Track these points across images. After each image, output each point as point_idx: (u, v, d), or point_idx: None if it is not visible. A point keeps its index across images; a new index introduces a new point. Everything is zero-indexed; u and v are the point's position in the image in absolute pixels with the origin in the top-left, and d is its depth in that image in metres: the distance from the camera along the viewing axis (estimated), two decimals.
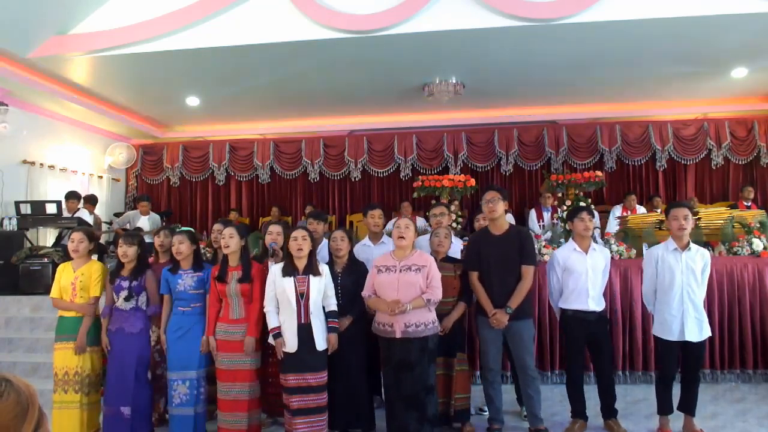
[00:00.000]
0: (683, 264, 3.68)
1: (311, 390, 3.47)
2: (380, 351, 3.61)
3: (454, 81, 6.93)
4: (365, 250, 4.30)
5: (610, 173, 8.86)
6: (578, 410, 3.92)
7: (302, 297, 3.49)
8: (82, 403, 3.77)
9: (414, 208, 8.59)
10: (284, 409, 3.61)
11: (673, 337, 3.69)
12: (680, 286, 3.67)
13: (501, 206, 3.74)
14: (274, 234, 4.01)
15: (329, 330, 3.57)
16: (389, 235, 4.30)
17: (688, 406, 3.77)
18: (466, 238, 5.42)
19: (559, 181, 6.64)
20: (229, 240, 3.65)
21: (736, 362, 4.92)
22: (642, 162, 8.94)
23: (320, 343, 3.49)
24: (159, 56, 5.85)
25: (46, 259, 6.07)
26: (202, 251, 4.84)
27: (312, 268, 3.56)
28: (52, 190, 7.81)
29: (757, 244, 5.07)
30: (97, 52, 5.81)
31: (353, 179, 9.46)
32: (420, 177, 7.41)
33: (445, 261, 3.89)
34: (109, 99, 7.69)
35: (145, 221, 7.67)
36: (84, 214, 7.17)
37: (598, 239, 5.58)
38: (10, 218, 6.69)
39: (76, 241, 3.88)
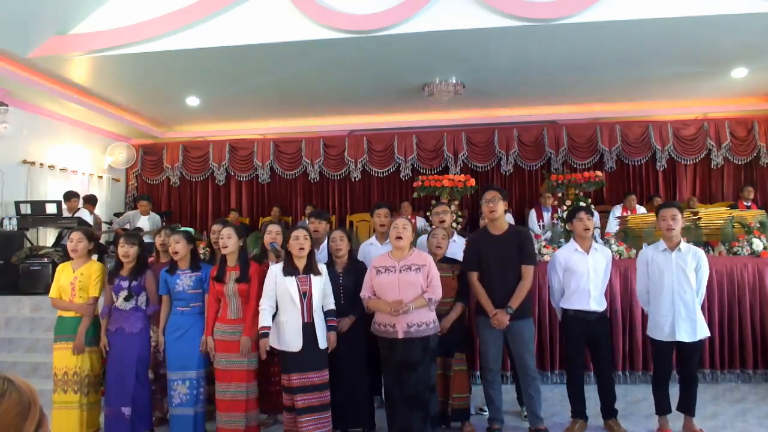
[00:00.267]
0: (673, 264, 3.68)
1: (315, 388, 3.48)
2: (380, 351, 3.61)
3: (454, 81, 6.93)
4: (372, 249, 4.29)
5: (610, 173, 8.86)
6: (578, 410, 3.92)
7: (305, 296, 3.50)
8: (82, 404, 3.77)
9: (414, 208, 8.59)
10: (284, 409, 3.62)
11: (664, 337, 3.70)
12: (671, 286, 3.67)
13: (501, 206, 3.74)
14: (273, 233, 4.01)
15: (328, 329, 3.58)
16: None
17: (688, 406, 3.77)
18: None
19: (559, 181, 6.64)
20: (227, 240, 3.66)
21: (736, 362, 4.92)
22: (642, 162, 8.94)
23: (322, 341, 3.51)
24: (159, 56, 5.85)
25: (46, 259, 6.06)
26: (203, 251, 4.84)
27: (312, 268, 3.57)
28: (52, 190, 7.81)
29: (757, 244, 5.07)
30: (97, 52, 5.82)
31: (353, 179, 9.46)
32: (420, 177, 7.41)
33: (442, 261, 3.89)
34: (109, 99, 7.70)
35: (145, 221, 7.67)
36: (84, 214, 7.18)
37: (598, 239, 5.58)
38: (10, 218, 6.69)
39: (74, 240, 3.88)
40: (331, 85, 7.23)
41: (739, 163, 8.67)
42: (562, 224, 6.07)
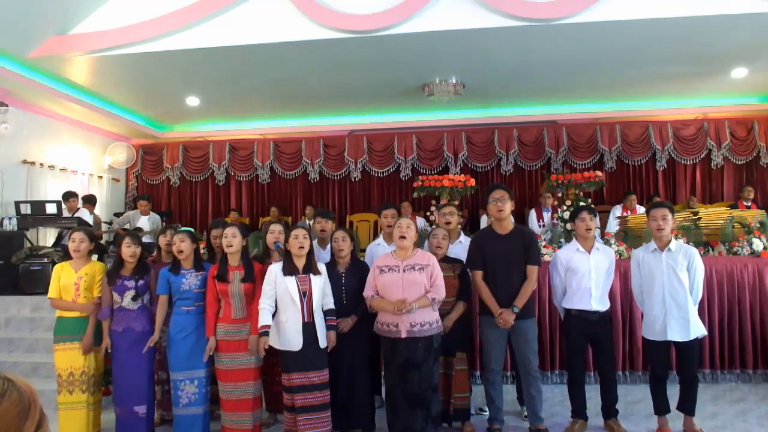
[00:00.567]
0: (663, 264, 3.69)
1: (315, 388, 3.48)
2: (382, 351, 3.61)
3: (454, 81, 6.93)
4: (379, 250, 4.27)
5: (610, 173, 8.86)
6: (579, 410, 3.92)
7: (305, 296, 3.50)
8: (89, 403, 3.79)
9: (414, 208, 8.60)
10: (284, 408, 3.62)
11: (656, 337, 3.71)
12: (661, 286, 3.68)
13: (509, 206, 3.74)
14: (276, 233, 4.00)
15: (328, 328, 3.58)
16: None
17: (687, 406, 3.77)
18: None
19: (559, 181, 6.64)
20: (232, 239, 3.65)
21: (736, 362, 4.92)
22: (642, 162, 8.94)
23: (322, 341, 3.51)
24: (159, 56, 5.85)
25: (46, 259, 6.06)
26: (203, 251, 4.83)
27: (311, 267, 3.58)
28: (52, 190, 7.81)
29: (757, 244, 5.07)
30: (97, 52, 5.82)
31: (353, 179, 9.47)
32: (420, 177, 7.40)
33: (443, 261, 3.89)
34: (109, 99, 7.70)
35: (145, 221, 7.67)
36: (84, 214, 7.18)
37: (598, 239, 5.57)
38: (10, 218, 6.68)
39: (77, 240, 3.87)
40: (331, 85, 7.23)
41: (739, 163, 8.67)
42: (562, 224, 6.06)
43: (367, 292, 3.57)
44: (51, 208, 6.81)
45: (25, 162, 7.51)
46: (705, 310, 4.78)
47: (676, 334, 3.65)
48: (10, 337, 5.42)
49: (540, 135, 8.98)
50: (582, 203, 6.05)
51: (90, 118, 8.29)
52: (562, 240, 5.79)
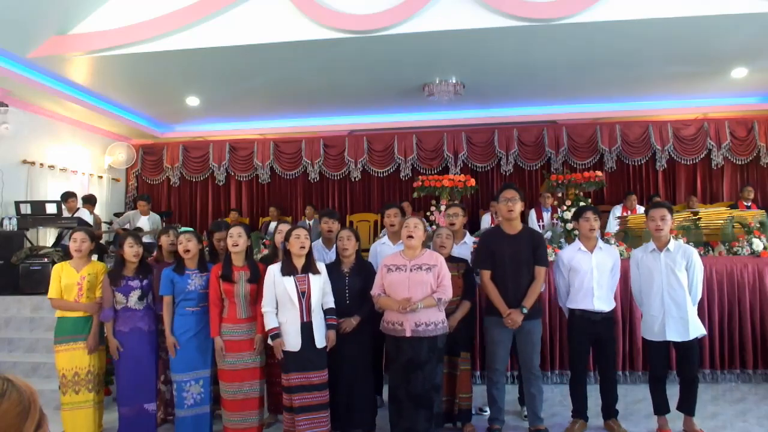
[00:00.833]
0: (662, 264, 3.69)
1: (314, 388, 3.48)
2: (387, 350, 3.61)
3: (454, 81, 6.93)
4: (384, 249, 4.27)
5: (610, 173, 8.86)
6: (579, 410, 3.92)
7: (303, 296, 3.49)
8: (95, 402, 3.80)
9: (414, 208, 8.60)
10: (284, 409, 3.62)
11: (654, 337, 3.71)
12: (660, 286, 3.68)
13: (519, 206, 3.74)
14: (284, 233, 3.99)
15: (328, 327, 3.57)
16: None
17: (687, 406, 3.77)
18: (477, 233, 5.42)
19: (559, 181, 6.64)
20: (237, 239, 3.65)
21: (736, 362, 4.92)
22: (642, 162, 8.94)
23: (319, 340, 3.50)
24: (159, 56, 5.85)
25: (46, 259, 6.06)
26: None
27: (310, 267, 3.57)
28: (52, 190, 7.81)
29: (757, 244, 5.08)
30: (97, 52, 5.81)
31: (353, 179, 9.46)
32: (420, 177, 7.40)
33: (448, 261, 3.87)
34: (109, 99, 7.70)
35: (145, 221, 7.66)
36: (84, 214, 7.18)
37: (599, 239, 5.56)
38: (10, 218, 6.68)
39: (78, 240, 3.87)
40: (331, 85, 7.23)
41: (739, 163, 8.67)
42: (562, 224, 6.06)
43: (375, 291, 3.57)
44: (51, 208, 6.81)
45: (25, 162, 7.51)
46: (705, 310, 4.78)
47: (674, 334, 3.65)
48: (10, 337, 5.42)
49: (540, 135, 8.98)
50: (582, 203, 6.05)
51: (90, 118, 8.28)
52: (562, 240, 5.79)
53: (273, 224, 8.69)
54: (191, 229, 4.17)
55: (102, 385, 3.93)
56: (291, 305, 3.48)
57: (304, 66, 6.38)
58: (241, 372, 3.62)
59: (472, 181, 7.22)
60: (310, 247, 3.62)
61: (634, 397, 4.59)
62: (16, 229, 6.56)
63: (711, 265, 4.83)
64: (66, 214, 7.02)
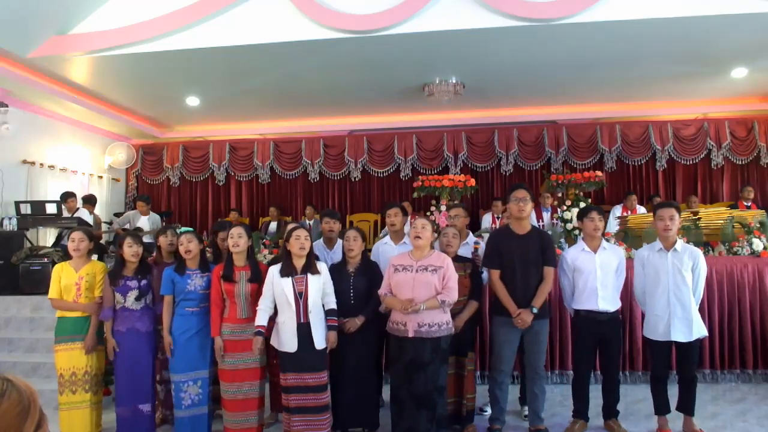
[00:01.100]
0: (669, 264, 3.68)
1: (309, 389, 3.46)
2: (390, 350, 3.60)
3: (454, 81, 6.93)
4: (386, 249, 4.26)
5: (610, 173, 8.86)
6: (580, 410, 3.92)
7: (301, 296, 3.48)
8: (92, 402, 3.80)
9: (414, 208, 8.60)
10: (283, 409, 3.62)
11: (659, 337, 3.70)
12: (666, 286, 3.68)
13: (530, 206, 3.74)
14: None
15: (329, 328, 3.55)
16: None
17: (687, 406, 3.77)
18: (477, 233, 5.42)
19: (559, 181, 6.63)
20: (238, 239, 3.64)
21: (736, 362, 4.92)
22: (642, 162, 8.94)
23: (319, 342, 3.49)
24: (159, 56, 5.85)
25: (46, 259, 6.06)
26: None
27: (310, 267, 3.55)
28: (52, 190, 7.81)
29: (757, 244, 5.08)
30: (97, 52, 5.82)
31: (353, 179, 9.47)
32: (420, 177, 7.39)
33: (454, 261, 3.86)
34: (109, 99, 7.70)
35: (145, 221, 7.66)
36: (84, 214, 7.18)
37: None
38: (10, 218, 6.68)
39: (76, 240, 3.87)
40: (331, 85, 7.23)
41: (739, 163, 8.67)
42: (562, 224, 6.06)
43: (382, 290, 3.58)
44: (51, 208, 6.81)
45: (25, 162, 7.51)
46: (705, 310, 4.78)
47: (679, 335, 3.64)
48: (10, 337, 5.42)
49: (540, 135, 8.98)
50: (582, 203, 6.05)
51: (90, 118, 8.29)
52: (562, 240, 5.78)
53: (273, 224, 8.72)
54: (191, 229, 4.17)
55: (100, 385, 3.92)
56: (288, 306, 3.48)
57: (304, 66, 6.38)
58: (241, 372, 3.62)
59: (472, 181, 7.21)
60: (311, 248, 3.62)
61: (634, 397, 4.58)
62: (16, 229, 6.57)
63: (711, 265, 4.82)
64: (66, 214, 7.02)
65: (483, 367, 4.87)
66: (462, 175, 7.73)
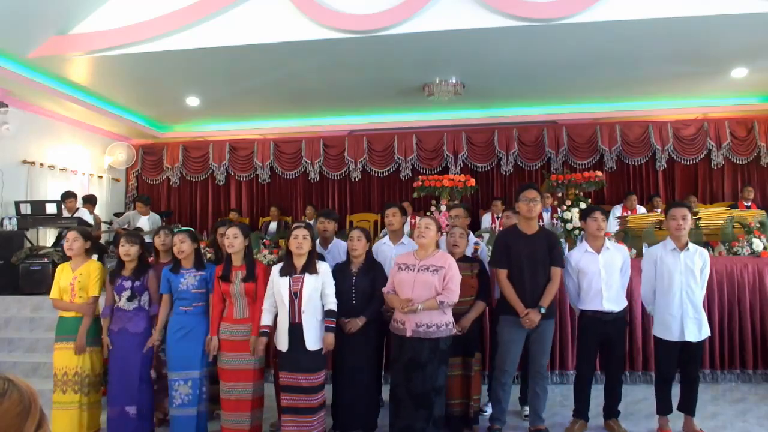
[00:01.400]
0: (682, 264, 3.68)
1: (302, 390, 3.45)
2: (392, 348, 3.60)
3: (454, 81, 6.93)
4: (384, 249, 4.27)
5: (610, 173, 8.86)
6: (582, 410, 3.91)
7: (296, 296, 3.48)
8: (82, 404, 3.77)
9: (414, 208, 8.60)
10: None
11: (673, 337, 3.69)
12: (679, 286, 3.67)
13: (539, 206, 3.75)
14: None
15: (326, 329, 3.52)
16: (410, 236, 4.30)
17: (688, 406, 3.77)
18: (477, 233, 5.42)
19: (559, 181, 6.63)
20: (233, 240, 3.65)
21: (736, 362, 4.92)
22: (642, 162, 8.94)
23: (311, 343, 3.45)
24: (159, 56, 5.85)
25: (46, 259, 6.06)
26: (203, 251, 4.83)
27: (309, 267, 3.54)
28: (52, 190, 7.81)
29: (757, 244, 5.08)
30: (97, 52, 5.82)
31: (353, 179, 9.47)
32: (420, 177, 7.39)
33: (461, 261, 3.86)
34: (109, 99, 7.70)
35: (145, 221, 7.67)
36: (84, 213, 7.18)
37: None
38: (10, 218, 6.69)
39: (70, 240, 3.89)
40: (331, 85, 7.23)
41: (739, 163, 8.66)
42: (562, 224, 6.06)
43: (386, 288, 3.59)
44: (51, 208, 6.81)
45: (25, 162, 7.51)
46: (705, 310, 4.76)
47: (692, 335, 3.64)
48: (10, 337, 5.42)
49: (540, 135, 8.98)
50: (582, 203, 6.05)
51: (90, 118, 8.29)
52: (562, 240, 5.77)
53: (273, 224, 8.72)
54: (190, 229, 4.17)
55: (93, 387, 3.88)
56: (282, 305, 3.49)
57: (304, 66, 6.38)
58: (235, 372, 3.61)
59: (472, 181, 7.21)
60: (313, 248, 3.61)
61: (634, 397, 4.58)
62: (16, 229, 6.57)
63: (711, 265, 4.79)
64: (66, 214, 7.02)
65: (484, 366, 4.87)
66: (462, 175, 7.73)
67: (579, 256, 3.90)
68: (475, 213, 8.76)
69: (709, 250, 5.19)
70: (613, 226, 6.58)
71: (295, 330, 3.45)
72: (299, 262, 3.55)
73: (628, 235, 5.45)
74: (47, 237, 7.30)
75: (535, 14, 5.18)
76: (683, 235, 3.70)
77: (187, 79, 6.89)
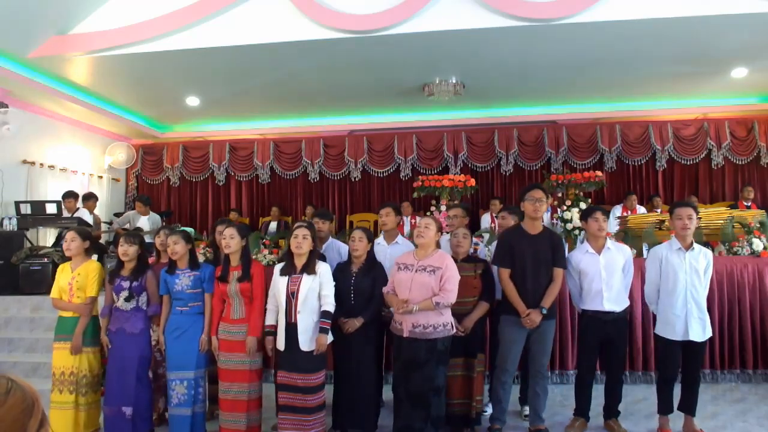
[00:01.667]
0: (687, 264, 3.68)
1: (297, 389, 3.46)
2: (393, 348, 3.61)
3: (454, 81, 6.93)
4: (379, 249, 4.24)
5: (610, 173, 8.86)
6: (582, 410, 3.92)
7: (293, 296, 3.48)
8: (78, 404, 3.77)
9: (414, 208, 8.60)
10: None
11: (677, 336, 3.69)
12: (684, 286, 3.67)
13: (545, 206, 3.74)
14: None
15: (320, 330, 3.50)
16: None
17: (689, 406, 3.77)
18: (477, 233, 5.41)
19: (559, 181, 6.64)
20: (229, 240, 3.65)
21: (736, 362, 4.92)
22: (642, 162, 8.94)
23: (304, 343, 3.45)
24: (159, 56, 5.85)
25: (46, 259, 6.06)
26: (203, 251, 4.83)
27: (308, 267, 3.54)
28: (52, 190, 7.81)
29: (757, 244, 5.08)
30: (97, 52, 5.82)
31: (353, 179, 9.47)
32: (420, 177, 7.41)
33: (465, 261, 3.85)
34: (109, 99, 7.70)
35: (145, 221, 7.66)
36: (84, 213, 7.17)
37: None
38: (10, 218, 6.69)
39: (68, 240, 3.90)
40: (331, 85, 7.23)
41: (739, 163, 8.66)
42: (562, 224, 6.06)
43: (386, 288, 3.59)
44: (51, 208, 6.82)
45: (25, 162, 7.51)
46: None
47: (696, 334, 3.65)
48: (10, 337, 5.42)
49: (540, 135, 8.98)
50: (582, 203, 6.05)
51: (90, 118, 8.29)
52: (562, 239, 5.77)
53: (273, 224, 8.73)
54: (189, 229, 4.18)
55: (91, 387, 3.87)
56: (280, 305, 3.51)
57: (304, 66, 6.38)
58: (231, 372, 3.62)
59: (472, 181, 7.23)
60: (314, 247, 3.61)
61: (634, 397, 4.58)
62: (16, 229, 6.57)
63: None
64: (66, 214, 7.02)
65: (486, 367, 4.87)
66: (462, 175, 7.75)
67: (580, 256, 3.90)
68: (475, 213, 8.77)
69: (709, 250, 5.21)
70: (613, 226, 6.59)
71: (291, 330, 3.46)
72: (299, 261, 3.56)
73: (628, 235, 5.45)
74: (47, 237, 7.30)
75: (535, 14, 5.18)
76: (689, 235, 3.70)
77: (187, 79, 6.89)
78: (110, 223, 8.46)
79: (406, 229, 7.47)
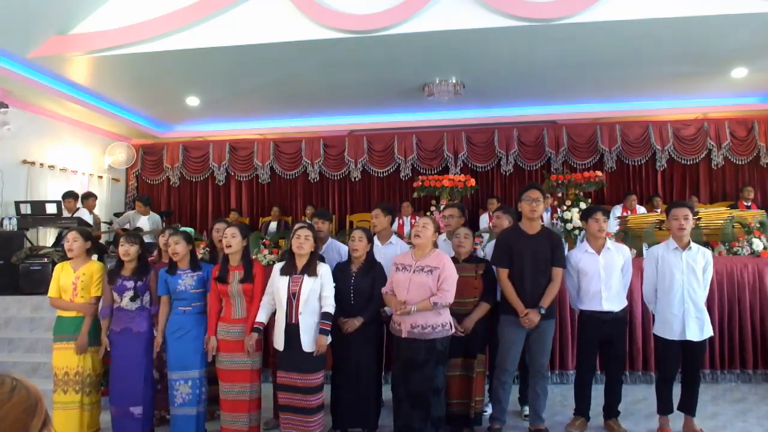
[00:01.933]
0: (684, 263, 3.68)
1: (297, 390, 3.46)
2: (393, 348, 3.61)
3: (454, 81, 6.94)
4: (374, 249, 4.28)
5: (610, 173, 8.86)
6: (582, 409, 3.92)
7: (294, 297, 3.47)
8: (83, 404, 3.77)
9: (414, 208, 8.60)
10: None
11: (675, 336, 3.69)
12: (681, 285, 3.67)
13: (542, 206, 3.75)
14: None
15: (320, 332, 3.49)
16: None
17: (689, 406, 3.77)
18: (476, 233, 5.40)
19: (559, 181, 6.64)
20: (231, 240, 3.65)
21: (736, 362, 4.92)
22: (642, 162, 8.94)
23: (307, 344, 3.45)
24: (159, 56, 5.85)
25: (46, 259, 6.06)
26: (203, 251, 4.83)
27: (309, 268, 3.53)
28: (52, 190, 7.81)
29: (757, 244, 5.08)
30: (97, 52, 5.82)
31: (353, 179, 9.47)
32: (420, 177, 7.41)
33: (467, 261, 3.84)
34: (109, 99, 7.70)
35: (145, 221, 7.66)
36: (84, 213, 7.18)
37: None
38: (10, 218, 6.69)
39: (70, 240, 3.89)
40: (331, 85, 7.23)
41: (739, 163, 8.67)
42: (562, 224, 6.06)
43: (385, 288, 3.59)
44: (51, 208, 6.82)
45: (25, 162, 7.51)
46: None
47: (693, 334, 3.64)
48: (10, 337, 5.42)
49: (540, 135, 8.98)
50: (582, 203, 6.05)
51: (90, 118, 8.29)
52: (562, 240, 5.77)
53: (273, 224, 8.72)
54: (190, 229, 4.18)
55: (95, 386, 3.88)
56: (281, 305, 3.50)
57: (304, 66, 6.39)
58: (232, 372, 3.62)
59: (472, 181, 7.23)
60: (315, 248, 3.61)
61: (634, 396, 4.58)
62: (16, 229, 6.57)
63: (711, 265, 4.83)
64: (66, 214, 7.02)
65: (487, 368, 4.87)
66: (462, 175, 7.75)
67: (579, 256, 3.90)
68: (475, 213, 8.78)
69: (708, 250, 5.21)
70: (613, 226, 6.59)
71: (292, 330, 3.45)
72: (300, 262, 3.55)
73: (628, 235, 5.45)
74: (47, 237, 7.30)
75: (535, 14, 5.18)
76: (685, 235, 3.70)
77: (187, 79, 6.89)
78: (110, 223, 8.46)
79: (407, 229, 7.48)
